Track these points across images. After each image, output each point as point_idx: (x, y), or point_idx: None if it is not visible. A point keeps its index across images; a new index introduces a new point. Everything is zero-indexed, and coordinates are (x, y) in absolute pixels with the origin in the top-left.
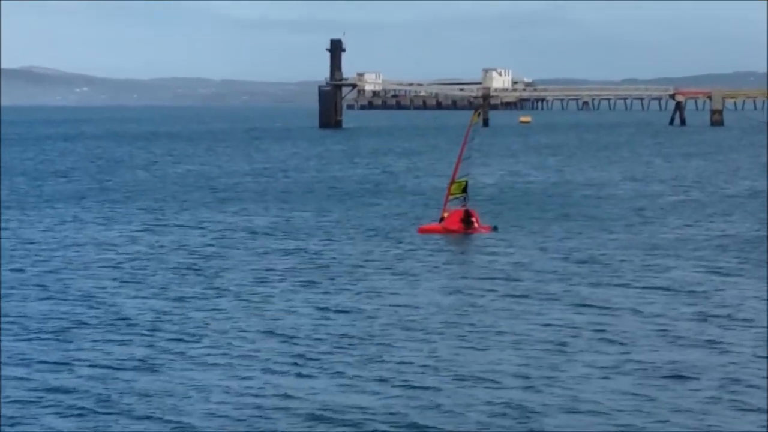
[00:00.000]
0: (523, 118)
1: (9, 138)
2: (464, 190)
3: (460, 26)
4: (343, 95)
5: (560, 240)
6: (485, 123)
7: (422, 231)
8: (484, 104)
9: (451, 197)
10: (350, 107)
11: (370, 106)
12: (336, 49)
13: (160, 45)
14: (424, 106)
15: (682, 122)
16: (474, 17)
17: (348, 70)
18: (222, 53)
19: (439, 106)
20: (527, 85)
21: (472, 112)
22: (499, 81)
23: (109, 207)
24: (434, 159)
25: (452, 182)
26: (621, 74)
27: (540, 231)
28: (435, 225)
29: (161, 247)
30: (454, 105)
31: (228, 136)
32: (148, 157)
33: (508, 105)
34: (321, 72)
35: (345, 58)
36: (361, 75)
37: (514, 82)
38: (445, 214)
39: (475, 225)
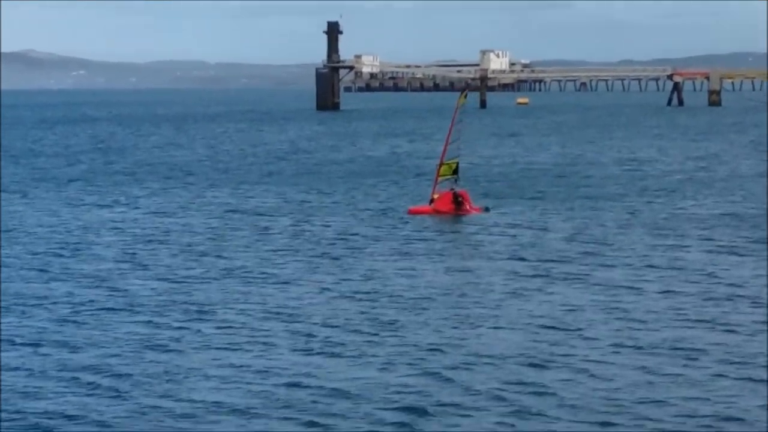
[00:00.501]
0: (520, 100)
1: (30, 121)
2: (455, 171)
3: (457, 8)
4: (340, 77)
5: (565, 219)
6: (482, 104)
7: (413, 212)
8: (481, 86)
9: (441, 179)
10: (348, 89)
11: (368, 88)
12: (333, 31)
13: (157, 28)
14: (422, 88)
15: (680, 103)
16: (472, 1)
17: (346, 53)
18: (220, 36)
19: (436, 87)
20: (525, 66)
21: (471, 93)
22: (497, 62)
23: (142, 188)
24: (437, 141)
25: (441, 164)
26: (619, 55)
27: (546, 209)
28: (425, 207)
29: (170, 228)
30: (452, 87)
31: (228, 118)
32: (158, 139)
33: (505, 87)
34: (320, 54)
35: (342, 40)
36: (358, 57)
37: (512, 64)
38: (435, 196)
39: (467, 207)
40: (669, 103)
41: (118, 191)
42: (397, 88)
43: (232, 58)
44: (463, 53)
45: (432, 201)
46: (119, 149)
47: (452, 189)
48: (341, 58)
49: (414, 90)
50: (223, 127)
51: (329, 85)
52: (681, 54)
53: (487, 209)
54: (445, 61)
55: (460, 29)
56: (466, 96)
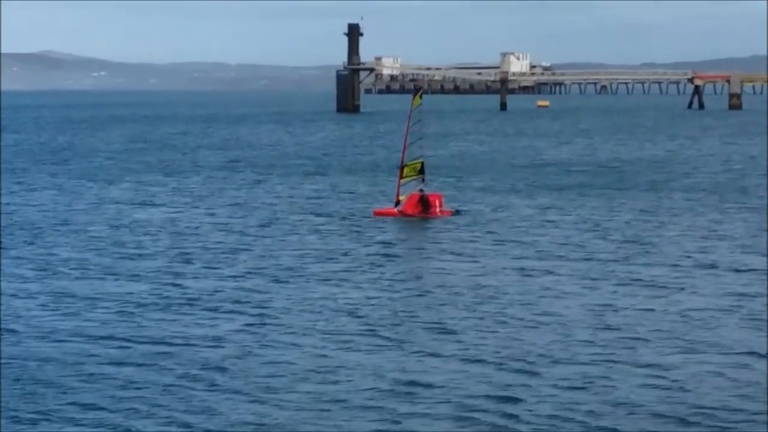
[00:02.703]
0: (541, 102)
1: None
2: (420, 171)
3: (478, 10)
4: (360, 79)
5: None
6: (503, 107)
7: (377, 214)
8: (502, 88)
9: (405, 180)
10: (368, 92)
11: (388, 90)
12: (353, 33)
13: (177, 30)
14: (442, 91)
15: (701, 106)
16: (493, 1)
17: (366, 55)
18: (240, 38)
19: (456, 90)
20: (545, 69)
21: (491, 95)
22: (517, 65)
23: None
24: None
25: (402, 166)
26: (639, 58)
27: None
28: (390, 209)
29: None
30: (472, 89)
31: (254, 119)
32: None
33: (525, 89)
34: (340, 56)
35: (363, 42)
36: (378, 59)
37: (532, 66)
38: (402, 198)
39: (434, 210)
40: (690, 106)
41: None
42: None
43: (251, 59)
44: (483, 55)
45: (397, 203)
46: (187, 147)
47: (421, 191)
48: (361, 60)
49: (434, 92)
50: (271, 127)
51: (349, 87)
52: (702, 57)
53: (457, 212)
54: (465, 64)
55: (480, 31)
56: (421, 96)
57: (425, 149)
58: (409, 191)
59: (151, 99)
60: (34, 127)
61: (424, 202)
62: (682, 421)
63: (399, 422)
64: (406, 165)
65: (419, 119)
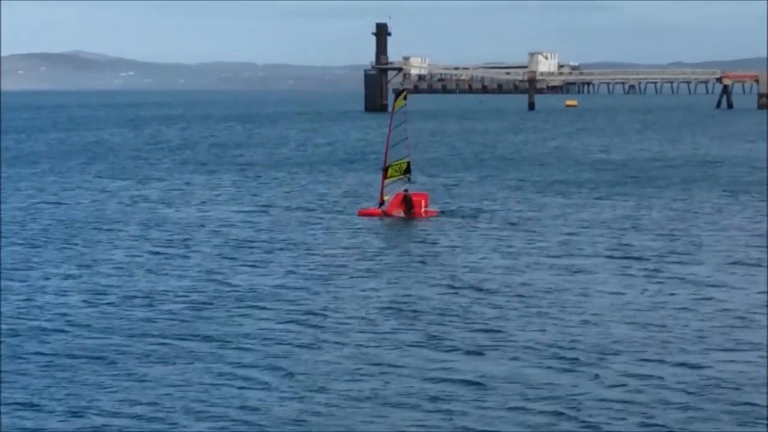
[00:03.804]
0: (569, 102)
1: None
2: (406, 171)
3: (506, 10)
4: (388, 79)
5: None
6: (531, 107)
7: (362, 214)
8: (530, 88)
9: (390, 180)
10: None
11: (416, 90)
12: (381, 33)
13: (205, 30)
14: (470, 90)
15: (729, 106)
16: (521, 2)
17: (394, 54)
18: (268, 37)
19: (484, 90)
20: (573, 68)
21: (519, 95)
22: (545, 65)
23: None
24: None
25: (385, 167)
26: (668, 58)
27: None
28: (374, 209)
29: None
30: (500, 89)
31: (288, 119)
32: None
33: (554, 89)
34: (368, 56)
35: (391, 42)
36: (406, 59)
37: (560, 66)
38: (386, 198)
39: (418, 210)
40: (718, 105)
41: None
42: (445, 90)
43: (279, 59)
44: (511, 55)
45: (381, 203)
46: (238, 144)
47: (405, 191)
48: (389, 60)
49: (462, 92)
50: (307, 125)
51: (377, 86)
52: (730, 56)
53: (442, 212)
54: (493, 63)
55: (508, 30)
56: (405, 98)
57: (410, 150)
58: (395, 191)
59: (188, 99)
60: (105, 124)
61: (408, 202)
62: (728, 419)
63: (450, 419)
64: (390, 165)
65: (404, 120)
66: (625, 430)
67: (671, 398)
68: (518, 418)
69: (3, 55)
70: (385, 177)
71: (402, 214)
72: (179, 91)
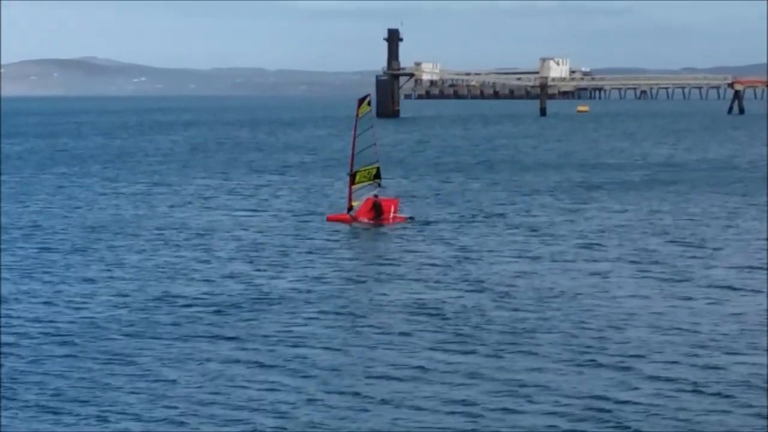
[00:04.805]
0: (580, 108)
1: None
2: (375, 177)
3: (518, 13)
4: (400, 85)
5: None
6: (542, 112)
7: (330, 219)
8: (541, 93)
9: (359, 185)
10: (407, 97)
11: (428, 95)
12: (393, 38)
13: (217, 35)
14: (482, 96)
15: (741, 111)
16: (532, 6)
17: (406, 60)
18: (280, 43)
19: (496, 95)
20: (585, 74)
21: (531, 100)
22: (557, 70)
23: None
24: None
25: (352, 173)
26: (679, 63)
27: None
28: (343, 214)
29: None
30: (512, 94)
31: (303, 124)
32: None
33: (565, 94)
34: (380, 61)
35: (402, 47)
36: (418, 64)
37: (572, 71)
38: (355, 203)
39: (387, 215)
40: (730, 111)
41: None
42: (457, 96)
43: (290, 65)
44: (523, 60)
45: (350, 209)
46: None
47: (375, 196)
48: (401, 65)
49: (474, 97)
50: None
51: (389, 92)
52: (742, 62)
53: (411, 218)
54: (505, 69)
55: (520, 35)
56: (369, 103)
57: (375, 154)
58: (364, 197)
59: (205, 104)
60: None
61: (377, 208)
62: (758, 424)
63: (502, 420)
64: (358, 171)
65: (371, 126)
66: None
67: (700, 401)
68: (546, 421)
69: (14, 60)
70: (352, 183)
71: (371, 220)
72: (193, 96)
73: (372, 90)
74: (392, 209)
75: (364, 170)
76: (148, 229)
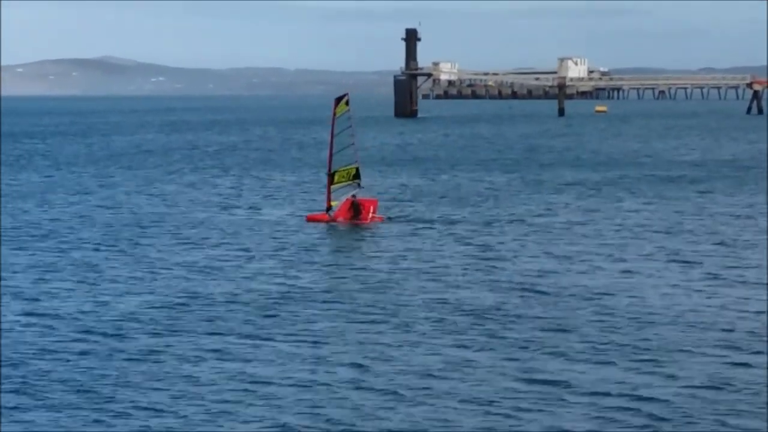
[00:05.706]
0: (598, 108)
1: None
2: (355, 177)
3: (536, 13)
4: (418, 85)
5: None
6: (561, 113)
7: (310, 219)
8: (560, 93)
9: (338, 186)
10: (425, 97)
11: (446, 95)
12: (411, 38)
13: (234, 35)
14: (500, 96)
15: (759, 111)
16: (550, 6)
17: (424, 60)
18: (297, 43)
19: (514, 95)
20: (603, 74)
21: (549, 100)
22: (575, 70)
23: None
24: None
25: (330, 173)
26: (698, 63)
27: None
28: (322, 214)
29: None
30: (530, 94)
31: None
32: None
33: (583, 94)
34: (398, 61)
35: (421, 47)
36: (436, 64)
37: (590, 71)
38: (334, 203)
39: (365, 215)
40: (748, 111)
41: None
42: (475, 96)
43: (309, 64)
44: (541, 60)
45: (329, 209)
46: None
47: (354, 196)
48: (419, 65)
49: (492, 98)
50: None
51: (407, 92)
52: (761, 62)
53: (389, 218)
54: (523, 69)
55: (538, 35)
56: (347, 103)
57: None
58: (343, 197)
59: (226, 104)
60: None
61: (356, 208)
62: None
63: (535, 420)
64: (337, 171)
65: (349, 125)
66: (701, 430)
67: (728, 398)
68: (573, 419)
69: (34, 60)
70: (331, 183)
71: (349, 220)
72: (213, 96)
73: (390, 90)
74: (371, 209)
75: (343, 170)
76: (213, 227)
